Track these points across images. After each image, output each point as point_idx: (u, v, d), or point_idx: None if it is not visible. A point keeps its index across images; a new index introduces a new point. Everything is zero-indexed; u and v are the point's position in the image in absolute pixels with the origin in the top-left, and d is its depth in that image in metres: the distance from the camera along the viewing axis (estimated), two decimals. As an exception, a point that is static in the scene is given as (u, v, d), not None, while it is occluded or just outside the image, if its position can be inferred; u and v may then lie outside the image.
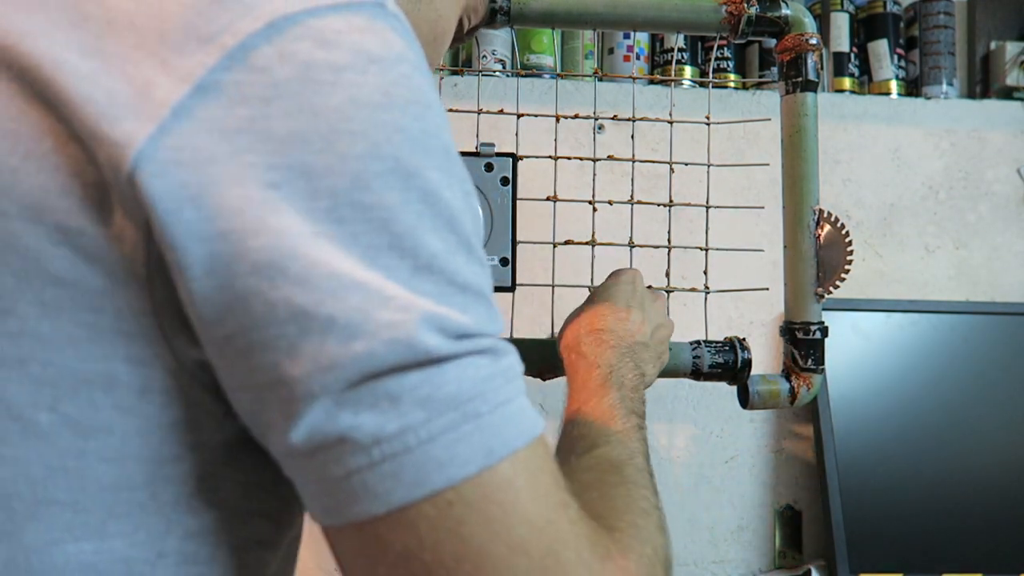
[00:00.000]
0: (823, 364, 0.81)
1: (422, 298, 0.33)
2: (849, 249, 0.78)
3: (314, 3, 0.34)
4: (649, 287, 0.71)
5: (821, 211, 0.80)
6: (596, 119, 1.04)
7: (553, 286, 0.83)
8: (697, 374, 0.79)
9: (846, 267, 0.78)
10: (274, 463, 0.35)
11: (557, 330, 0.84)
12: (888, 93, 1.22)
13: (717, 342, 0.79)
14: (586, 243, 0.84)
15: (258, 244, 0.31)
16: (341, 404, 0.31)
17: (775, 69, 1.13)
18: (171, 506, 0.35)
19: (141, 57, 0.32)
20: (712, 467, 1.10)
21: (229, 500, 0.37)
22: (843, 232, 0.79)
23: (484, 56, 1.11)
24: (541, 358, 0.78)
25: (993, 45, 1.27)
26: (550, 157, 0.85)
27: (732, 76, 1.20)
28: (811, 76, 0.81)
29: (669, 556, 0.43)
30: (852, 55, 1.24)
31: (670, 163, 0.86)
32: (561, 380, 0.80)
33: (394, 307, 0.32)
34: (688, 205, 0.87)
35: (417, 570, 0.32)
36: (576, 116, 0.89)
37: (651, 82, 1.15)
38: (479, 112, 0.86)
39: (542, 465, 0.35)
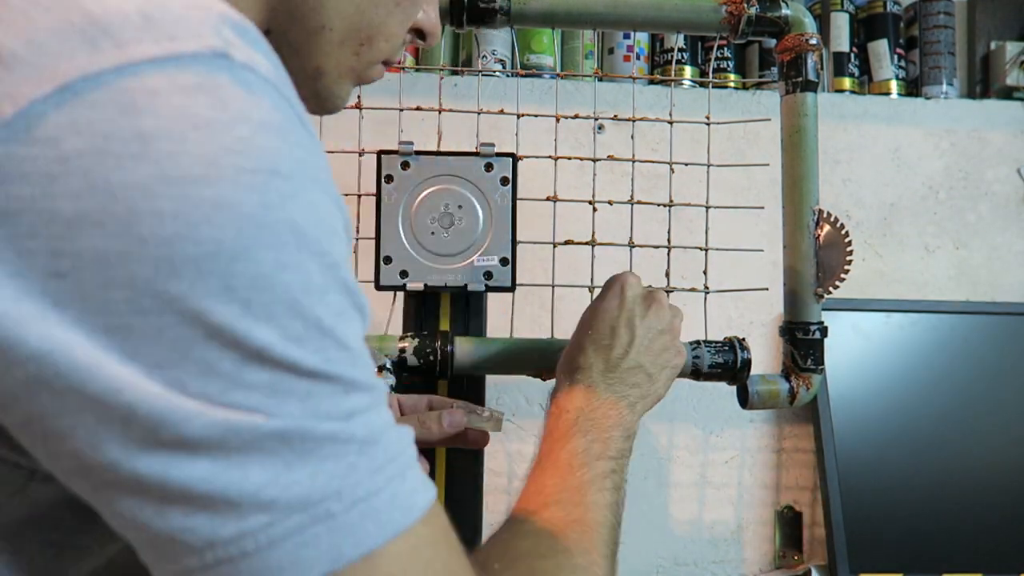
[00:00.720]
0: (823, 364, 0.81)
1: (246, 393, 0.30)
2: (849, 249, 0.78)
3: (128, 57, 0.29)
4: (649, 287, 0.67)
5: (821, 211, 0.80)
6: (596, 119, 1.04)
7: (553, 286, 0.84)
8: (697, 374, 0.79)
9: (846, 267, 0.78)
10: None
11: (556, 331, 0.85)
12: (888, 93, 1.22)
13: (717, 342, 0.79)
14: (586, 243, 0.84)
15: (32, 349, 0.28)
16: (169, 501, 0.29)
17: (775, 69, 1.13)
18: None
19: None
20: (712, 467, 1.10)
21: (35, 559, 0.35)
22: (843, 232, 0.79)
23: (484, 56, 1.11)
24: (540, 358, 0.78)
25: (993, 45, 1.27)
26: (550, 157, 0.85)
27: (732, 76, 1.20)
28: (811, 76, 0.81)
29: None
30: (852, 55, 1.24)
31: (670, 163, 0.86)
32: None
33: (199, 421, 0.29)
34: (688, 205, 0.87)
35: None
36: (576, 116, 0.89)
37: (651, 82, 1.15)
38: (479, 112, 0.86)
39: (413, 556, 0.32)
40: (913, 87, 1.25)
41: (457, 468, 0.80)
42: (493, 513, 1.07)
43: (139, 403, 0.29)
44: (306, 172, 0.32)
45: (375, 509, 0.32)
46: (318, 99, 0.48)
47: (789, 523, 1.10)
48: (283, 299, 0.30)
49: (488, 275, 0.77)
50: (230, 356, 0.29)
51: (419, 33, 0.53)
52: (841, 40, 1.23)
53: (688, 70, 1.18)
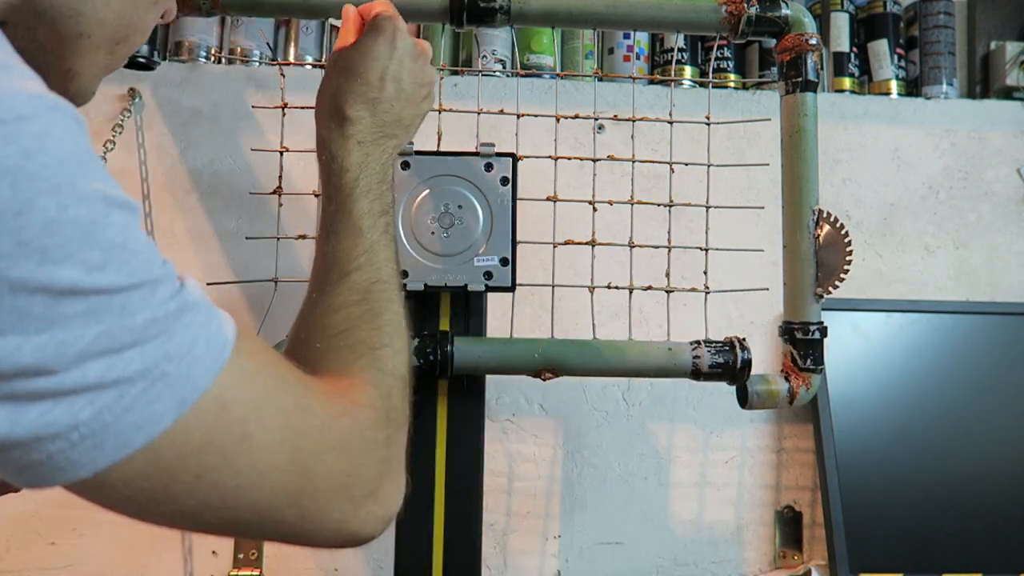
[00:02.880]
0: (822, 364, 0.81)
1: (67, 322, 0.33)
2: (848, 249, 0.78)
3: None
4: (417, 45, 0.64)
5: (820, 211, 0.80)
6: (596, 119, 1.04)
7: (553, 286, 0.84)
8: (697, 374, 0.79)
9: (845, 267, 0.78)
10: None
11: (556, 331, 0.84)
12: (888, 93, 1.22)
13: (717, 342, 0.79)
14: (586, 243, 0.84)
15: None
16: (20, 404, 0.33)
17: (775, 69, 1.13)
18: None
19: None
20: (712, 467, 1.10)
21: None
22: (842, 232, 0.79)
23: (484, 56, 1.11)
24: (540, 358, 0.78)
25: (993, 45, 1.27)
26: (550, 157, 0.85)
27: (732, 76, 1.20)
28: (811, 76, 0.81)
29: (404, 374, 0.51)
30: (852, 55, 1.24)
31: (670, 163, 0.86)
32: (561, 381, 0.80)
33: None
34: (688, 205, 0.87)
35: (161, 503, 0.37)
36: (576, 116, 0.89)
37: (651, 82, 1.15)
38: (479, 112, 0.86)
39: (242, 372, 0.39)
40: (913, 87, 1.25)
41: (457, 468, 0.80)
42: (493, 513, 1.07)
43: None
44: (42, 104, 0.33)
45: (198, 357, 0.37)
46: (68, 96, 0.47)
47: (789, 523, 1.10)
48: (76, 236, 0.33)
49: (488, 275, 0.77)
50: (41, 299, 0.32)
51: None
52: (841, 40, 1.23)
53: (688, 70, 1.18)
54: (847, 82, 1.22)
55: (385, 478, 0.45)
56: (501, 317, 0.86)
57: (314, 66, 1.09)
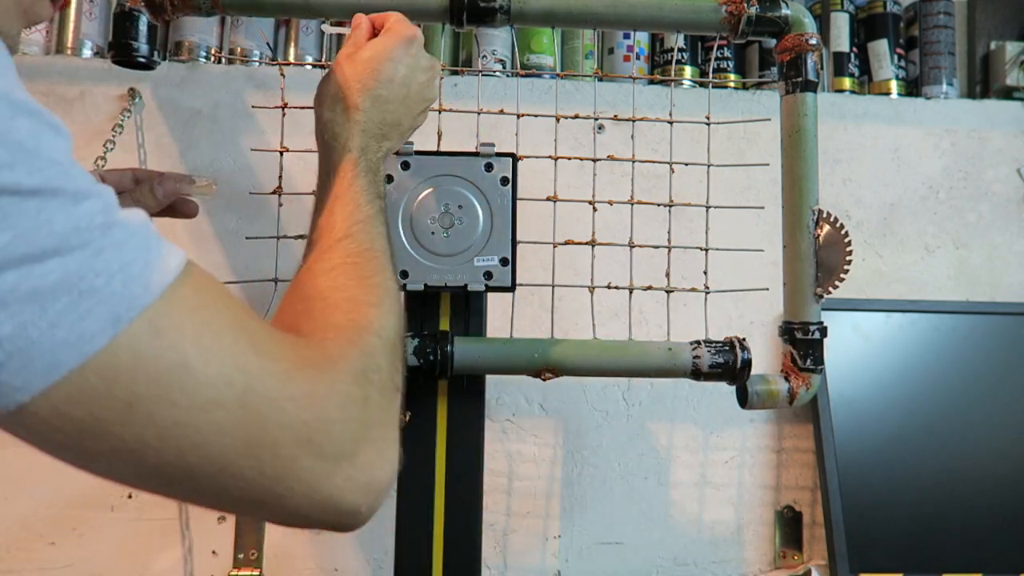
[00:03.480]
0: (822, 364, 0.81)
1: None
2: (848, 249, 0.79)
3: None
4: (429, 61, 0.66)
5: (820, 211, 0.80)
6: (596, 119, 1.04)
7: (553, 286, 0.84)
8: (697, 374, 0.79)
9: (845, 267, 0.79)
10: None
11: (556, 331, 0.84)
12: (888, 93, 1.23)
13: (717, 342, 0.79)
14: (586, 243, 0.84)
15: None
16: None
17: (775, 69, 1.13)
18: None
19: None
20: (712, 467, 1.10)
21: None
22: (842, 232, 0.79)
23: (484, 56, 1.11)
24: (540, 358, 0.78)
25: (993, 45, 1.27)
26: (550, 157, 0.85)
27: (732, 76, 1.20)
28: (811, 76, 0.81)
29: (392, 336, 0.48)
30: (852, 55, 1.24)
31: (670, 163, 0.86)
32: (561, 381, 0.81)
33: None
34: (688, 205, 0.87)
35: (94, 439, 0.35)
36: (576, 116, 0.89)
37: (651, 82, 1.15)
38: (479, 112, 0.86)
39: (185, 301, 0.37)
40: (913, 87, 1.25)
41: (457, 468, 0.80)
42: (493, 513, 1.07)
43: None
44: None
45: (133, 276, 0.35)
46: None
47: (789, 523, 1.10)
48: None
49: (488, 275, 0.77)
50: None
51: None
52: (841, 40, 1.23)
53: (688, 70, 1.18)
54: (847, 82, 1.22)
55: (364, 443, 0.41)
56: (501, 317, 0.86)
57: (314, 66, 1.09)
